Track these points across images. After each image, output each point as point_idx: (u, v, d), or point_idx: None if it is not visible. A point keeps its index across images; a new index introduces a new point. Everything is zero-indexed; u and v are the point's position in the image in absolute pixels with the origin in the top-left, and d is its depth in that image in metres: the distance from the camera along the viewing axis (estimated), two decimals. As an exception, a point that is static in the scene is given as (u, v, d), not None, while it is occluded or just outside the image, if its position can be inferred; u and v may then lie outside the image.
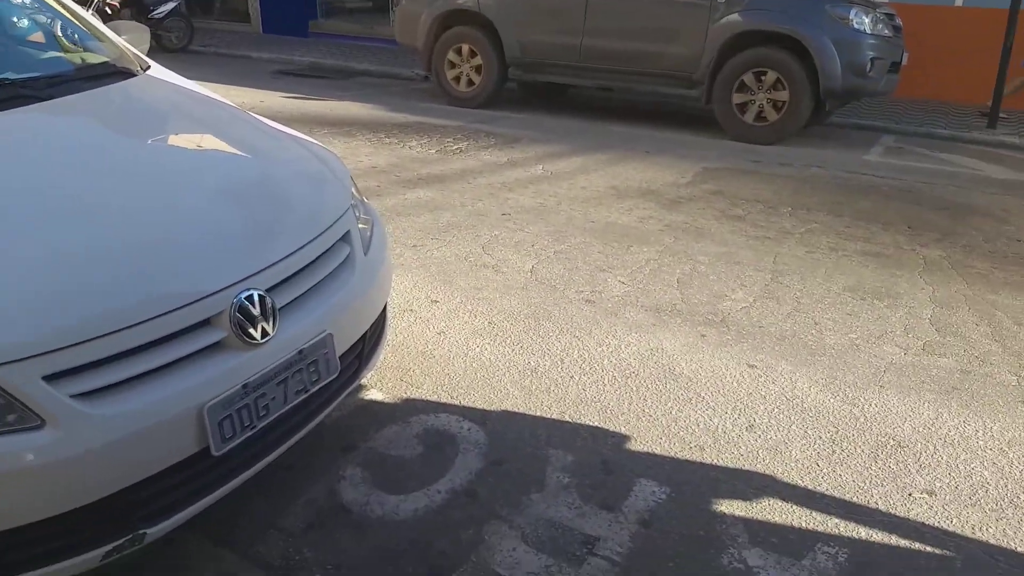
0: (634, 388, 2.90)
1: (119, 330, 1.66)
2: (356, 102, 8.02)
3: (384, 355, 2.98)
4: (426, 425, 2.66)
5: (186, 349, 1.77)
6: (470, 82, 8.06)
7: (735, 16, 6.73)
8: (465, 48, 8.00)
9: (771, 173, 5.95)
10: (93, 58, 2.71)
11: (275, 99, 7.97)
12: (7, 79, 2.35)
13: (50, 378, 1.56)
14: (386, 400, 2.80)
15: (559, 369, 3.02)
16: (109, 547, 1.70)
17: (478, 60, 7.93)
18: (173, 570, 2.03)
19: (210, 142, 2.47)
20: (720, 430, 2.66)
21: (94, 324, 1.64)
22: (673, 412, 2.76)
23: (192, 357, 1.78)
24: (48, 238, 1.79)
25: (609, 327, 3.36)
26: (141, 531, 1.74)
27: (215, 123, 2.62)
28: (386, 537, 2.15)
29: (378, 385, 2.88)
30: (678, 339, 3.27)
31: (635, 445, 2.56)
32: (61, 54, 2.76)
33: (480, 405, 2.77)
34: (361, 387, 2.85)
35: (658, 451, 2.54)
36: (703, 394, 2.87)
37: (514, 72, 7.90)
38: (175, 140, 2.48)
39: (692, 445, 2.57)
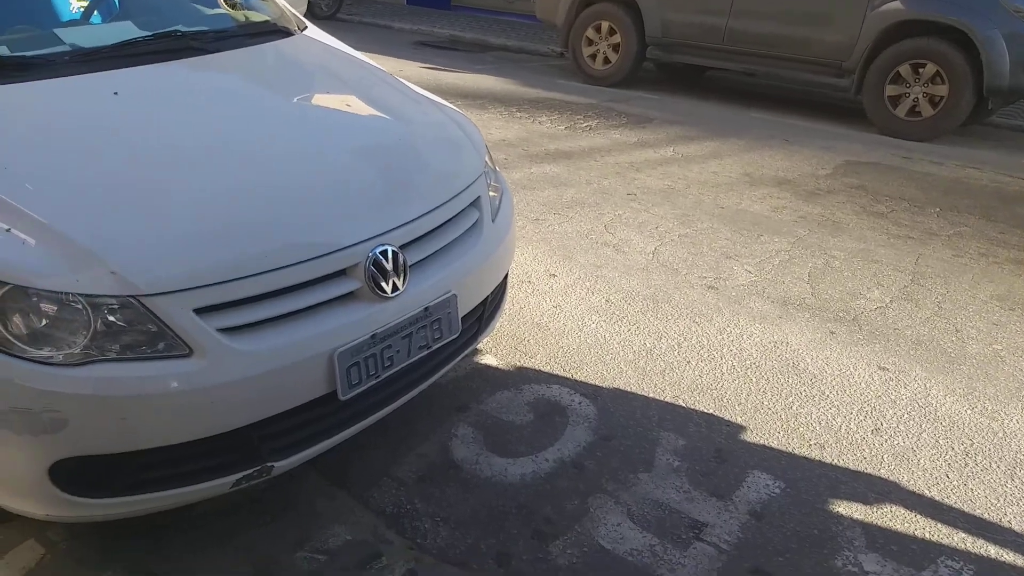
0: (753, 379, 2.82)
1: (265, 272, 1.76)
2: (491, 75, 8.10)
3: (501, 322, 3.03)
4: (537, 394, 2.69)
5: (322, 296, 1.86)
6: (606, 60, 7.97)
7: (896, 3, 6.31)
8: (604, 26, 7.91)
9: (920, 171, 5.57)
10: (256, 16, 2.86)
11: (412, 68, 8.17)
12: (178, 31, 2.52)
13: (200, 311, 1.67)
14: (500, 366, 2.85)
15: (675, 353, 2.97)
16: (239, 475, 1.82)
17: (616, 38, 7.83)
18: (293, 506, 2.15)
19: (357, 102, 2.56)
20: (843, 430, 2.54)
21: (243, 264, 1.75)
22: (794, 407, 2.66)
23: (327, 304, 1.87)
24: (207, 180, 1.92)
25: (732, 315, 3.27)
26: (269, 464, 1.85)
27: (363, 84, 2.72)
28: (493, 497, 2.20)
29: (493, 351, 2.93)
30: (805, 334, 3.15)
31: (751, 436, 2.49)
32: (227, 11, 2.93)
33: (592, 380, 2.77)
34: (477, 351, 2.91)
35: (775, 445, 2.46)
36: (827, 392, 2.76)
37: (653, 52, 7.75)
38: (324, 98, 2.59)
39: (812, 443, 2.47)
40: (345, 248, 1.89)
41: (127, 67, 2.27)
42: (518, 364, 2.86)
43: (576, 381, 2.77)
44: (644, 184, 4.89)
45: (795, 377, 2.84)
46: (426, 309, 2.04)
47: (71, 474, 1.66)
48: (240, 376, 1.70)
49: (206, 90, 2.36)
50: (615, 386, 2.74)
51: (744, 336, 3.11)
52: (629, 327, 3.15)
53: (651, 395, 2.70)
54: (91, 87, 2.15)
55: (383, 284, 1.93)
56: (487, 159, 2.55)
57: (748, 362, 2.93)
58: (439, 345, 2.13)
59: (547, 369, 2.84)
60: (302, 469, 2.25)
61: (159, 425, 1.66)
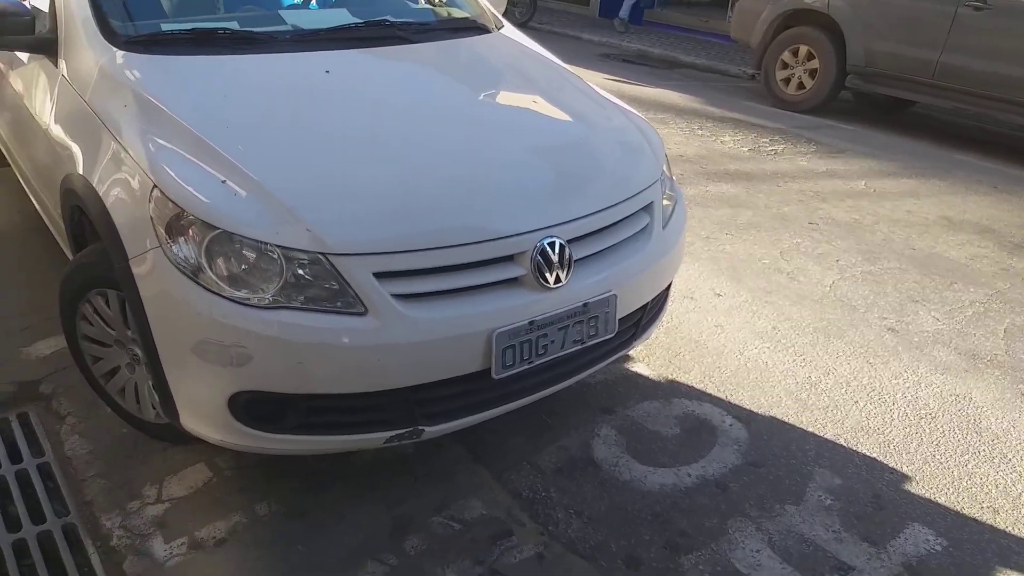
0: (926, 431, 2.60)
1: (439, 247, 1.86)
2: (675, 92, 8.01)
3: (657, 333, 2.99)
4: (687, 409, 2.63)
5: (488, 278, 1.93)
6: (800, 85, 7.64)
7: None
8: (802, 50, 7.59)
9: None
10: (457, 13, 3.02)
11: (596, 79, 8.22)
12: (387, 21, 2.72)
13: (378, 275, 1.79)
14: (651, 376, 2.81)
15: (842, 391, 2.80)
16: (393, 433, 1.93)
17: (814, 63, 7.49)
18: (436, 473, 2.24)
19: (543, 100, 2.63)
20: (1023, 498, 2.30)
21: (421, 237, 1.85)
22: (969, 465, 2.43)
23: (492, 286, 1.93)
24: (397, 157, 2.04)
25: (911, 361, 3.04)
26: (421, 427, 1.95)
27: (550, 84, 2.79)
28: (629, 501, 2.18)
29: (645, 360, 2.90)
30: (992, 392, 2.87)
31: (915, 488, 2.31)
32: (431, 6, 3.11)
33: (747, 405, 2.67)
34: (628, 357, 2.89)
35: (942, 500, 2.26)
36: (1010, 456, 2.50)
37: (852, 81, 7.34)
38: (512, 93, 2.68)
39: (985, 505, 2.25)
40: (515, 235, 1.95)
41: (339, 49, 2.48)
42: (670, 377, 2.81)
43: (730, 403, 2.68)
44: (828, 215, 4.65)
45: (974, 435, 2.60)
46: (585, 305, 2.06)
47: (247, 406, 1.82)
48: (406, 340, 1.80)
49: (405, 76, 2.52)
50: (771, 414, 2.63)
51: (922, 385, 2.88)
52: (794, 357, 3.00)
53: (810, 429, 2.56)
54: (306, 64, 2.36)
55: (547, 274, 1.96)
56: (665, 167, 2.53)
57: (923, 412, 2.71)
58: (593, 342, 2.14)
59: (700, 386, 2.77)
60: (447, 440, 2.34)
61: (330, 374, 1.79)
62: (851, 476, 2.34)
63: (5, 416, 2.38)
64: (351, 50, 2.52)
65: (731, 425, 2.55)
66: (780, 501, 2.21)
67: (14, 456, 2.23)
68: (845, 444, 2.50)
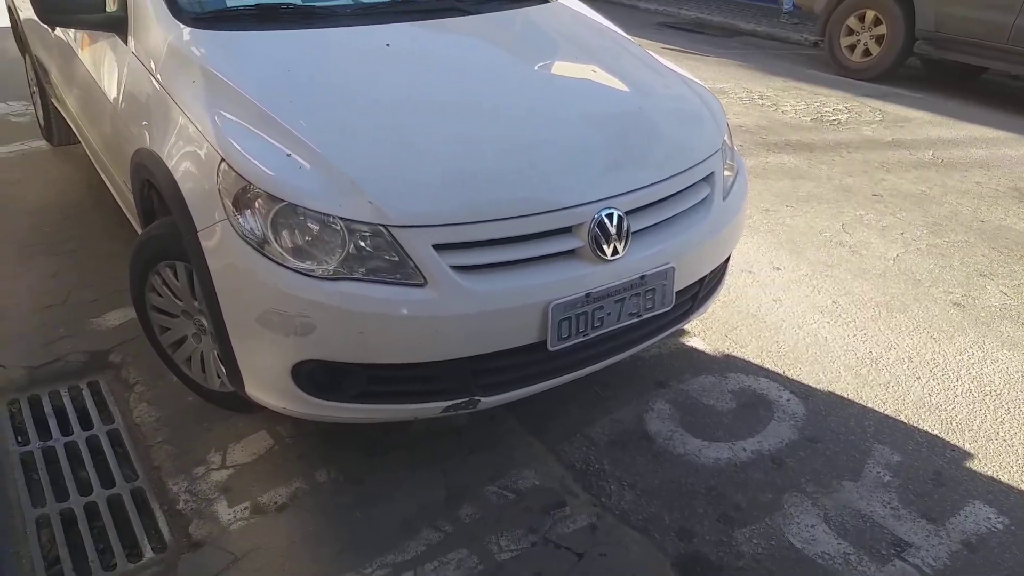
0: (991, 408, 2.54)
1: (497, 219, 1.87)
2: (735, 61, 7.82)
3: (713, 307, 2.97)
4: (743, 384, 2.61)
5: (545, 250, 1.93)
6: (866, 52, 7.38)
7: None
8: (869, 15, 7.32)
9: None
10: (515, -18, 3.00)
11: (652, 49, 8.08)
12: (445, -9, 2.71)
13: (437, 247, 1.81)
14: (706, 351, 2.79)
15: (904, 367, 2.74)
16: (449, 403, 1.96)
17: (881, 29, 7.22)
18: (489, 444, 2.28)
19: (601, 70, 2.59)
20: (1097, 482, 2.23)
21: (479, 209, 1.86)
22: (1037, 446, 2.37)
23: (549, 258, 1.94)
24: (456, 129, 2.06)
25: (976, 337, 2.95)
26: (477, 397, 1.98)
27: (609, 53, 2.76)
28: (683, 474, 2.18)
29: (701, 334, 2.88)
30: (1063, 370, 2.77)
31: (977, 466, 2.26)
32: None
33: (805, 380, 2.64)
34: (684, 331, 2.88)
35: (1005, 479, 2.21)
36: (1083, 437, 2.42)
37: (921, 47, 7.05)
38: (570, 63, 2.66)
39: (1054, 487, 2.20)
40: (573, 207, 1.95)
41: (399, 21, 2.49)
42: (726, 351, 2.79)
43: (787, 378, 2.65)
44: (893, 186, 4.51)
45: (1045, 414, 2.52)
46: (642, 277, 2.05)
47: (310, 375, 1.88)
48: (463, 311, 1.82)
49: (464, 48, 2.53)
50: (830, 390, 2.59)
51: (988, 361, 2.80)
52: (855, 332, 2.95)
53: (869, 405, 2.52)
54: (367, 37, 2.38)
55: (604, 246, 1.96)
56: (726, 137, 2.49)
57: (988, 389, 2.64)
58: (650, 315, 2.13)
59: (757, 361, 2.74)
60: (501, 412, 2.37)
61: (390, 344, 1.83)
62: (911, 453, 2.30)
63: (76, 384, 2.49)
64: (411, 22, 2.53)
65: (788, 400, 2.53)
66: (837, 477, 2.19)
67: (85, 423, 2.34)
68: (906, 421, 2.45)
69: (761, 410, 2.47)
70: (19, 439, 2.26)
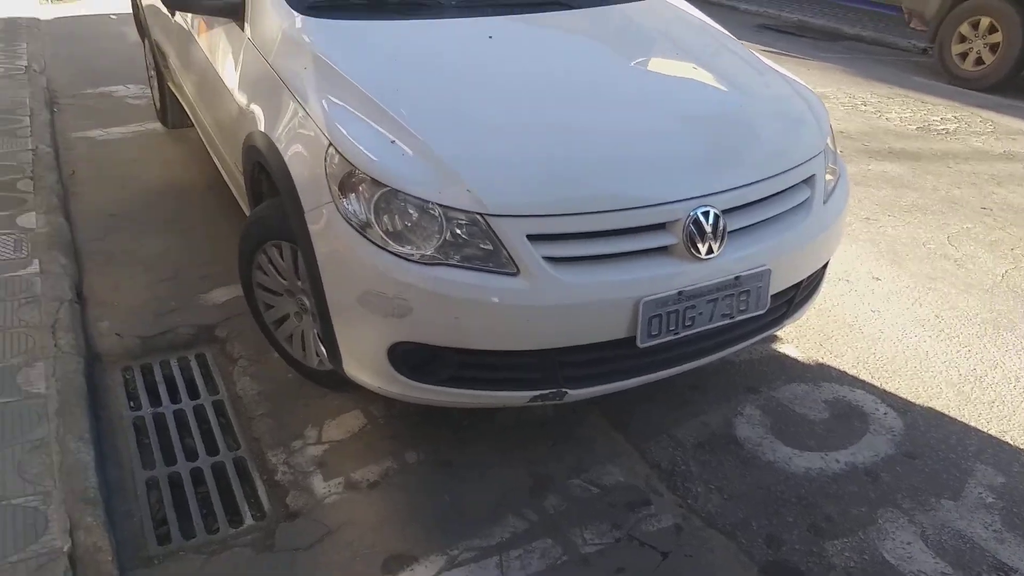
0: (1110, 436, 2.38)
1: (591, 212, 1.88)
2: (838, 65, 7.56)
3: (808, 314, 2.88)
4: (837, 394, 2.53)
5: (638, 245, 1.92)
6: (978, 61, 7.02)
7: None
8: (984, 22, 6.96)
9: None
10: (616, -22, 2.99)
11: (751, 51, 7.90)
12: (548, -15, 2.74)
13: (531, 237, 1.83)
14: (800, 358, 2.72)
15: (1010, 386, 2.60)
16: (537, 393, 1.98)
17: (996, 37, 6.85)
18: (574, 437, 2.28)
19: (700, 67, 2.57)
20: None
21: (574, 202, 1.87)
22: None
23: (641, 254, 1.93)
24: (553, 121, 2.08)
25: (1093, 360, 2.78)
26: (564, 389, 1.98)
27: (708, 49, 2.72)
28: (772, 481, 2.14)
29: (795, 341, 2.81)
30: None
31: (1094, 496, 2.13)
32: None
33: (904, 395, 2.53)
34: (776, 337, 2.81)
35: (1125, 513, 2.07)
36: None
37: (1042, 55, 6.67)
38: (669, 60, 2.64)
39: None
40: (668, 203, 1.93)
41: (502, 14, 2.52)
42: (820, 360, 2.71)
43: (884, 391, 2.55)
44: (1004, 200, 4.28)
45: None
46: (737, 278, 2.01)
47: (404, 356, 1.93)
48: (554, 302, 1.84)
49: (564, 41, 2.55)
50: (930, 405, 2.49)
51: (1106, 386, 2.63)
52: (958, 348, 2.81)
53: (972, 423, 2.40)
54: (470, 28, 2.43)
55: (699, 244, 1.94)
56: (829, 140, 2.42)
57: (1106, 415, 2.48)
58: (743, 318, 2.09)
59: (853, 372, 2.65)
60: (587, 407, 2.37)
61: (482, 330, 1.86)
62: (1016, 475, 2.18)
63: (185, 355, 2.63)
64: (513, 16, 2.56)
65: (885, 413, 2.44)
66: (936, 495, 2.10)
67: (192, 392, 2.47)
68: (1011, 442, 2.33)
69: (856, 422, 2.39)
70: (132, 404, 2.40)
